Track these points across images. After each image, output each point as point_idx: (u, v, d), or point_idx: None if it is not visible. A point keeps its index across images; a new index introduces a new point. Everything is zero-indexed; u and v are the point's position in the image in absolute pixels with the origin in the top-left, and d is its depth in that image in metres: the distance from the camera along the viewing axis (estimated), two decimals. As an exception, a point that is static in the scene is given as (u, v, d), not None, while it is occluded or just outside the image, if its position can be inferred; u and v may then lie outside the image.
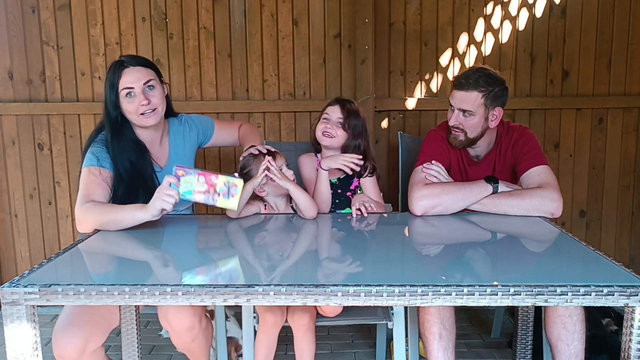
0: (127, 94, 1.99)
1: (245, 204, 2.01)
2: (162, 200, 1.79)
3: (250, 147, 2.17)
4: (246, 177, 2.05)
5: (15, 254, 3.24)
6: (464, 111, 2.14)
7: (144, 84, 2.00)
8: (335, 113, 2.24)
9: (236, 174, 1.94)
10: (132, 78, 1.99)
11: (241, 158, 2.17)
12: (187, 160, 2.21)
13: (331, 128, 2.22)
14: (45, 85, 3.09)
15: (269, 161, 1.96)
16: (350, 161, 2.16)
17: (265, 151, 2.10)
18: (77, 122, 3.12)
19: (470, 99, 2.12)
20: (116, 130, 2.02)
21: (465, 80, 2.13)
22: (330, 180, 2.22)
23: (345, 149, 2.25)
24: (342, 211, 2.22)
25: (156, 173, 2.11)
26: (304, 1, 3.05)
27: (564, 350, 1.93)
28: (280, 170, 2.01)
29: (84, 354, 1.80)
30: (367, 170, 2.24)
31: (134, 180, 1.98)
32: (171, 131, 2.21)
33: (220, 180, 1.83)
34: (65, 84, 3.09)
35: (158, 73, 2.10)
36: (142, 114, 2.00)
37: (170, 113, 2.22)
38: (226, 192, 1.83)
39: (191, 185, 1.83)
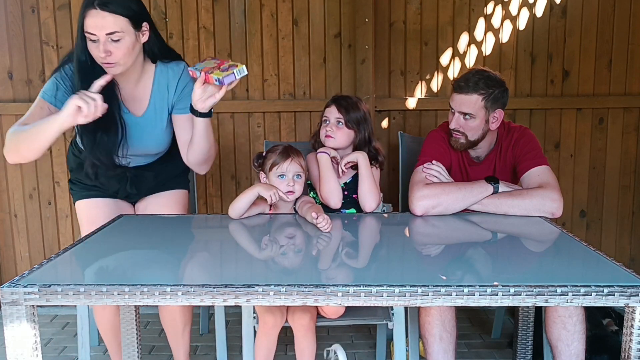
0: (91, 39, 1.82)
1: (250, 205, 2.01)
2: (80, 98, 1.70)
3: (275, 147, 2.15)
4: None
5: (15, 254, 3.24)
6: (464, 114, 2.14)
7: (107, 34, 1.80)
8: (332, 114, 2.24)
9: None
10: (95, 24, 1.78)
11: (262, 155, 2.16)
12: (165, 119, 2.05)
13: (331, 130, 2.22)
14: (45, 85, 3.09)
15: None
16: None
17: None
18: (77, 122, 3.12)
19: (471, 102, 2.12)
20: (85, 75, 1.87)
21: (465, 83, 2.13)
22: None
23: (358, 147, 2.25)
24: (347, 211, 2.21)
25: (124, 117, 1.99)
26: (304, 1, 3.04)
27: (564, 350, 1.93)
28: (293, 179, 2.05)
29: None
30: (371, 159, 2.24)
31: (95, 122, 1.80)
32: (158, 78, 2.03)
33: (228, 63, 1.92)
34: (65, 83, 3.09)
35: (134, 19, 1.86)
36: (104, 63, 1.85)
37: (165, 55, 2.07)
38: (227, 68, 1.89)
39: (202, 65, 1.92)
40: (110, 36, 1.80)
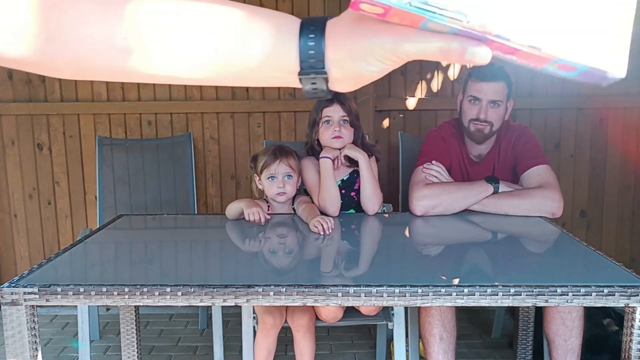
0: None
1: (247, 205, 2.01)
2: None
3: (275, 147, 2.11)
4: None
5: (14, 254, 3.24)
6: (494, 102, 2.14)
7: None
8: (336, 112, 2.14)
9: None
10: None
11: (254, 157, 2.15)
12: None
13: (339, 130, 2.12)
14: (45, 85, 3.09)
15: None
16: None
17: None
18: (77, 122, 3.12)
19: (500, 89, 2.14)
20: None
21: (489, 71, 2.13)
22: None
23: (354, 143, 2.16)
24: (346, 212, 2.20)
25: None
26: (304, 1, 3.04)
27: (561, 345, 1.94)
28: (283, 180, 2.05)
29: None
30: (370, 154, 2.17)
31: None
32: None
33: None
34: (64, 84, 3.09)
35: None
36: None
37: None
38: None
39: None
40: None
